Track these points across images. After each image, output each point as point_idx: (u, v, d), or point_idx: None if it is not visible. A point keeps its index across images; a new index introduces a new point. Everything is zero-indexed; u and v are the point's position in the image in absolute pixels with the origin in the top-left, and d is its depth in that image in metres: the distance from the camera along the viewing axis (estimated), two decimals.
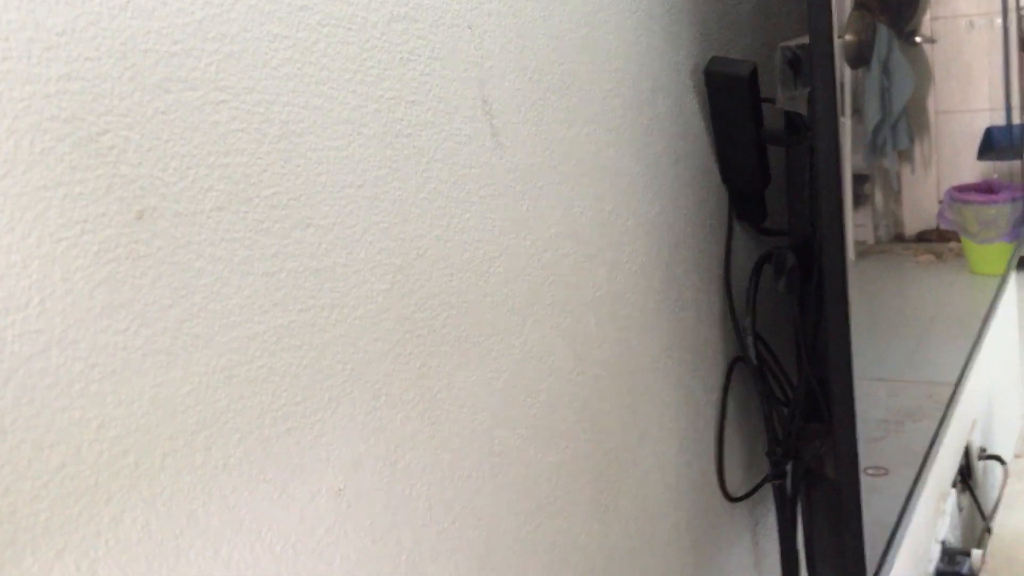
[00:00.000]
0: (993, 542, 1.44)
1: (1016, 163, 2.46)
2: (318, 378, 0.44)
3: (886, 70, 1.06)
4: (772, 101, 0.77)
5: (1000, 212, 2.06)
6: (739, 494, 0.86)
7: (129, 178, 0.36)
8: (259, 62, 0.42)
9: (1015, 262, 1.98)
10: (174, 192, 0.38)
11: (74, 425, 0.34)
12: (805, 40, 0.68)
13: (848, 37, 0.95)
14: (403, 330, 0.50)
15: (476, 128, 0.55)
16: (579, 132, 0.64)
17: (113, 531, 0.35)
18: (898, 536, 0.88)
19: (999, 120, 2.33)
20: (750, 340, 0.81)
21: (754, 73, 0.74)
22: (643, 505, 0.73)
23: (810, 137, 0.72)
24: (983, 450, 1.79)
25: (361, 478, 0.47)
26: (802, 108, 0.74)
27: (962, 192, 2.13)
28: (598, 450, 0.67)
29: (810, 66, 0.69)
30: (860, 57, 0.95)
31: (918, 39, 1.35)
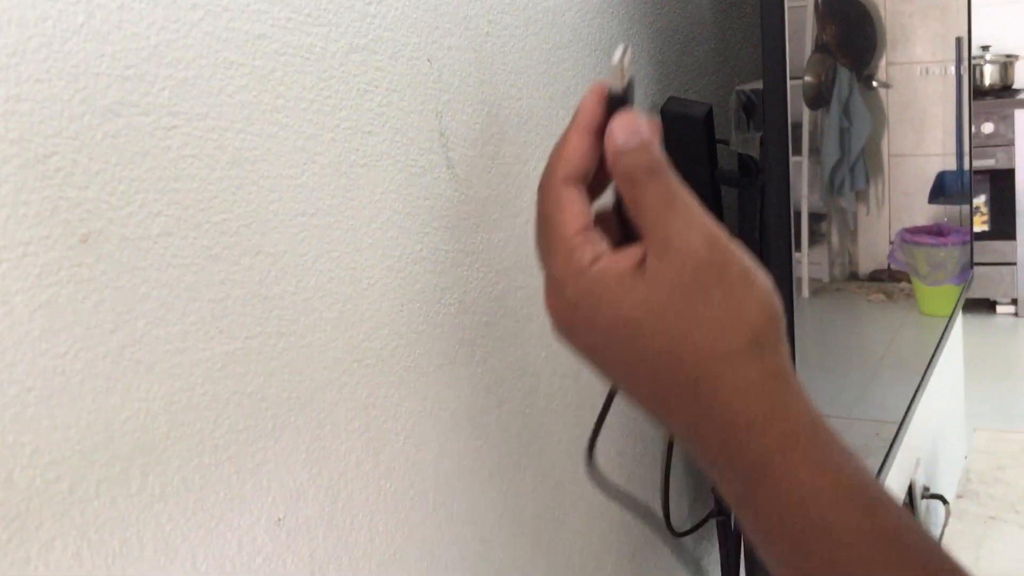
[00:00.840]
0: None
1: (966, 207, 2.52)
2: (262, 406, 0.44)
3: (846, 111, 1.09)
4: (727, 143, 0.78)
5: (949, 255, 2.11)
6: (684, 529, 0.87)
7: (75, 201, 0.36)
8: (214, 88, 0.42)
9: (961, 304, 2.02)
10: (121, 216, 0.38)
11: (7, 449, 0.34)
12: (759, 85, 0.69)
13: (808, 78, 0.97)
14: (351, 359, 0.50)
15: (432, 160, 0.55)
16: (535, 166, 0.65)
17: (43, 558, 0.35)
18: None
19: (951, 165, 2.39)
20: None
21: (709, 114, 0.75)
22: (588, 538, 0.73)
23: (761, 180, 0.74)
24: (926, 489, 1.82)
25: (302, 507, 0.46)
26: (755, 151, 0.75)
27: (913, 234, 2.17)
28: (544, 482, 0.67)
29: (763, 111, 0.70)
30: (820, 98, 0.97)
31: (875, 83, 1.38)
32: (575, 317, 0.43)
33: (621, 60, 0.42)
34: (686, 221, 0.41)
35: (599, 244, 0.42)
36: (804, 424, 0.41)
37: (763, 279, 0.42)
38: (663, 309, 0.41)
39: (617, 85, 0.42)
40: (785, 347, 0.43)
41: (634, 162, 0.42)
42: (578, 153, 0.43)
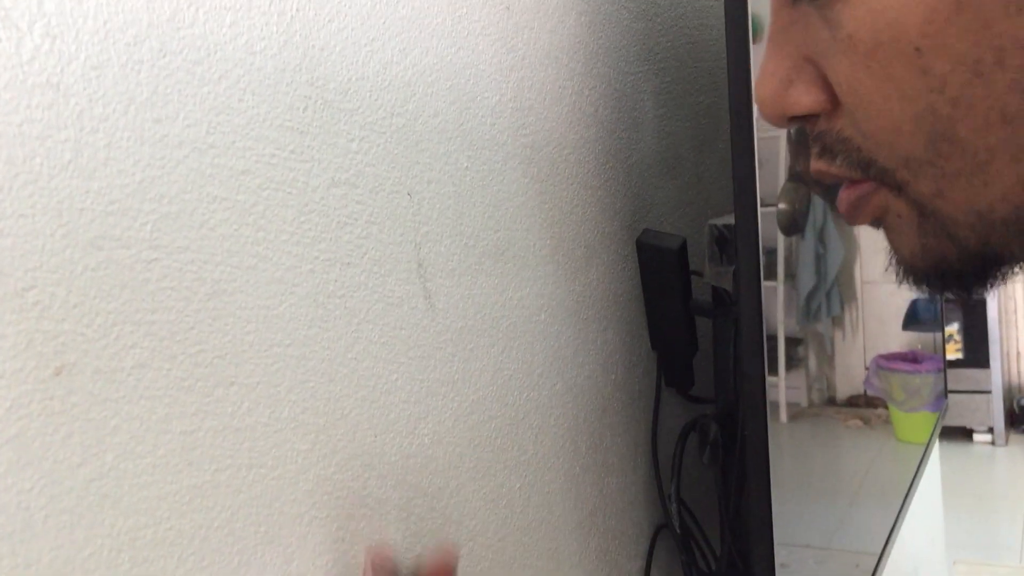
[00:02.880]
0: None
1: (939, 335, 2.54)
2: (228, 540, 0.43)
3: (821, 238, 1.11)
4: (700, 274, 0.80)
5: (924, 382, 2.12)
6: None
7: (51, 334, 0.36)
8: (196, 222, 0.42)
9: (938, 431, 2.02)
10: (96, 348, 0.38)
11: None
12: (732, 220, 0.71)
13: (782, 206, 0.99)
14: (322, 491, 0.49)
15: (409, 290, 0.56)
16: (512, 296, 0.66)
17: None
18: None
19: (923, 293, 2.42)
20: (674, 507, 0.81)
21: (683, 247, 0.77)
22: None
23: (735, 312, 0.75)
24: None
25: None
26: (728, 284, 0.77)
27: (888, 360, 2.19)
28: None
29: (735, 243, 0.72)
30: (794, 225, 1.00)
31: None
32: None
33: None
34: None
35: None
36: None
37: None
38: None
39: None
40: None
41: None
42: None
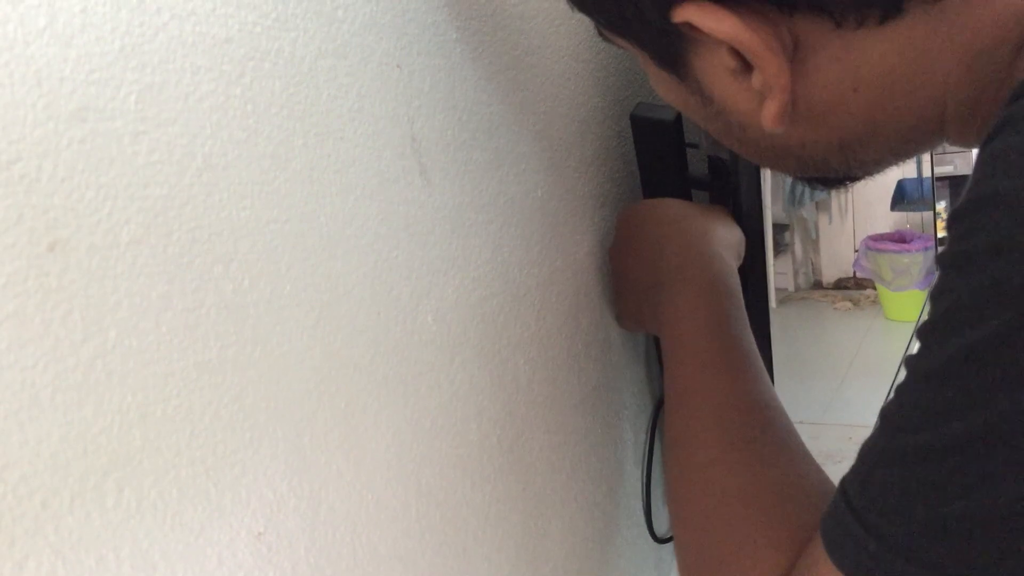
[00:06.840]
0: None
1: (928, 214, 2.54)
2: (239, 417, 0.43)
3: None
4: (696, 146, 0.78)
5: (913, 261, 2.13)
6: (666, 535, 0.86)
7: (41, 208, 0.35)
8: (181, 94, 0.41)
9: (927, 309, 2.03)
10: (89, 224, 0.37)
11: None
12: None
13: None
14: (328, 367, 0.49)
15: (405, 166, 0.55)
16: (507, 172, 0.65)
17: None
18: None
19: (910, 173, 2.41)
20: None
21: (679, 119, 0.75)
22: (572, 545, 0.72)
23: (733, 181, 0.74)
24: None
25: (282, 520, 0.45)
26: (725, 152, 0.75)
27: (877, 241, 2.19)
28: (527, 490, 0.66)
29: None
30: None
31: None
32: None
33: None
34: None
35: None
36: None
37: None
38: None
39: None
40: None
41: None
42: None
